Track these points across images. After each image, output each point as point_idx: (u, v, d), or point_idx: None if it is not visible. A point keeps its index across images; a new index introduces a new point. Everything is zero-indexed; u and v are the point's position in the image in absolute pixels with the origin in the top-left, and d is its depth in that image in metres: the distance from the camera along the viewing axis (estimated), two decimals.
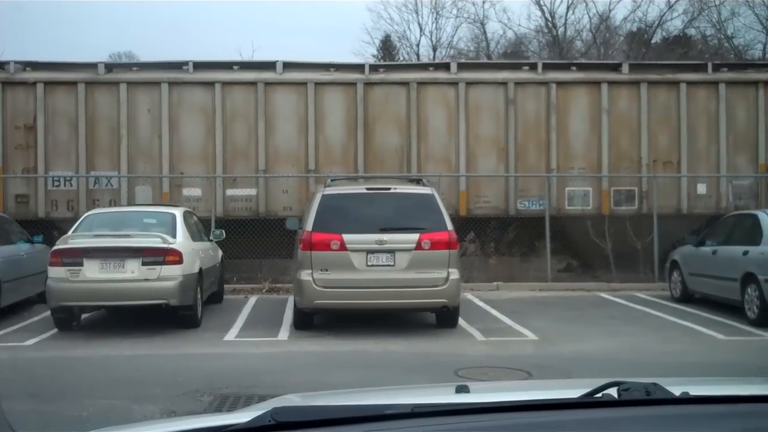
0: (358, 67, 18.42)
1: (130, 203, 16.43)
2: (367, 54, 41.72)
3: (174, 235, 11.64)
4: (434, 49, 41.25)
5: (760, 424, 1.90)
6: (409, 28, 44.42)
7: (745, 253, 12.32)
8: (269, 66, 17.97)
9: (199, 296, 11.87)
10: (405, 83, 17.74)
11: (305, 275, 10.91)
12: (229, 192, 17.43)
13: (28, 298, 13.36)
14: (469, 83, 17.76)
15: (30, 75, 17.44)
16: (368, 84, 17.73)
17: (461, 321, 11.81)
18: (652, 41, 38.08)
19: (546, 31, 39.36)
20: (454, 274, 11.07)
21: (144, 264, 11.04)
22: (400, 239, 10.98)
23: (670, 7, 38.62)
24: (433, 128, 17.72)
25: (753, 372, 8.73)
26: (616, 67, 18.79)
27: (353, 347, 10.41)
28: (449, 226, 11.19)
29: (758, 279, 11.74)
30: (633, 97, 17.95)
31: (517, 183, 17.67)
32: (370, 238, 10.90)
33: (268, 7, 68.21)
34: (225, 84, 17.52)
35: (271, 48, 60.79)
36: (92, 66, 17.71)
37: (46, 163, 17.29)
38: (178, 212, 12.62)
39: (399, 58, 39.64)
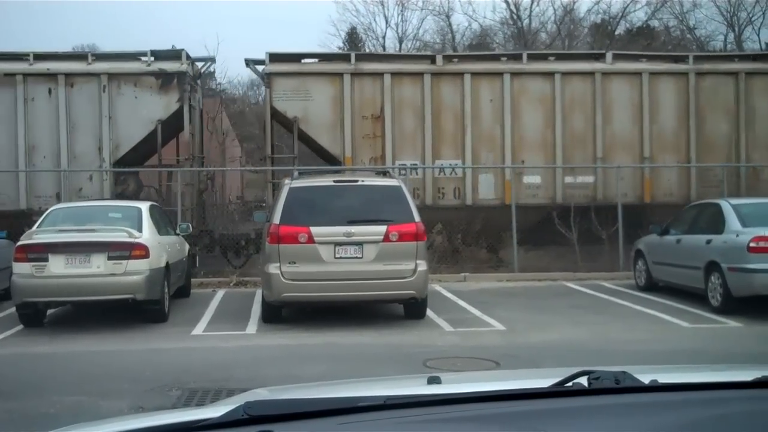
0: (683, 58, 19.41)
1: (474, 192, 17.59)
2: (333, 46, 41.62)
3: (140, 230, 11.55)
4: (400, 42, 41.31)
5: (728, 410, 1.93)
6: (375, 20, 44.54)
7: (709, 241, 12.48)
8: (599, 57, 19.23)
9: (166, 290, 11.80)
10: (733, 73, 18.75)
11: (273, 268, 10.88)
12: (568, 179, 18.07)
13: None
14: None
15: (377, 66, 18.16)
16: (699, 74, 18.62)
17: (429, 312, 11.86)
18: (616, 33, 38.40)
19: (511, 23, 39.54)
20: (422, 265, 11.10)
21: (110, 259, 10.94)
22: (368, 231, 10.99)
23: None
24: None
25: (718, 359, 8.87)
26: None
27: (322, 340, 10.41)
28: (417, 217, 11.21)
29: (721, 267, 11.89)
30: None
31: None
32: (337, 231, 10.90)
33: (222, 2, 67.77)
34: (564, 75, 18.22)
35: (236, 40, 60.44)
36: (427, 57, 19.15)
37: (393, 152, 17.74)
38: (143, 206, 12.52)
39: (365, 50, 39.51)
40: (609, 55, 18.88)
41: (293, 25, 69.45)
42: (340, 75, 17.76)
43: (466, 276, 16.44)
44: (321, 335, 10.68)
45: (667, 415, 1.90)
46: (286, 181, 11.99)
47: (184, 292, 13.95)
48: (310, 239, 10.86)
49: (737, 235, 11.87)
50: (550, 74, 18.19)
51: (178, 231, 13.90)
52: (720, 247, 12.16)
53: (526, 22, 38.64)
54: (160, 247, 11.89)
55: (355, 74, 17.81)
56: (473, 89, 17.92)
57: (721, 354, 9.30)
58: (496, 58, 19.85)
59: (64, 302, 11.76)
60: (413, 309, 11.61)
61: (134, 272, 10.95)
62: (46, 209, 12.89)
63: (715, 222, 12.65)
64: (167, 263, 11.92)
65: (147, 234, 11.62)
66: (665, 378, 2.18)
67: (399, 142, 17.86)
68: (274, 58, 18.11)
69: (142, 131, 17.67)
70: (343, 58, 19.54)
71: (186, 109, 17.62)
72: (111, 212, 12.53)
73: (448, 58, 18.92)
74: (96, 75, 17.39)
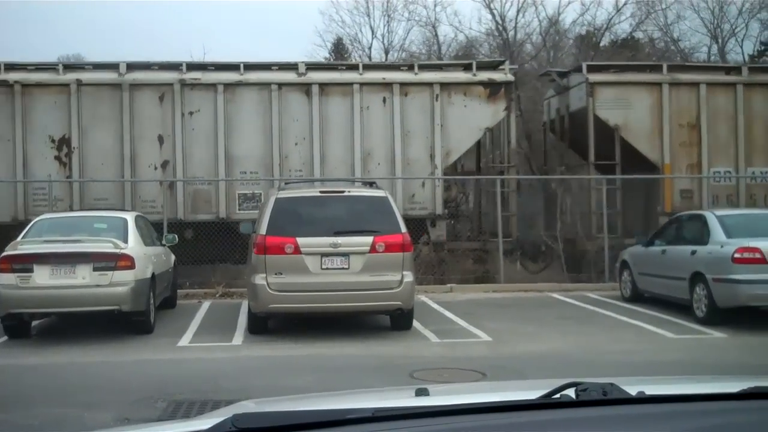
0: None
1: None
2: (319, 57, 41.68)
3: (126, 240, 11.50)
4: (386, 52, 41.34)
5: (715, 422, 1.94)
6: (360, 31, 44.51)
7: (694, 252, 12.54)
8: None
9: (151, 302, 11.74)
10: None
11: (259, 279, 10.86)
12: None
13: None
14: None
15: (693, 77, 18.84)
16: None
17: (416, 323, 11.85)
18: (601, 44, 38.60)
19: (497, 34, 39.64)
20: (408, 276, 11.10)
21: (95, 270, 10.88)
22: (354, 242, 10.99)
23: (618, 11, 39.16)
24: None
25: (703, 370, 8.91)
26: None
27: (308, 351, 10.39)
28: (403, 228, 11.22)
29: (706, 278, 11.95)
30: None
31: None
32: (324, 242, 10.89)
33: (216, 10, 67.75)
34: None
35: (223, 50, 60.39)
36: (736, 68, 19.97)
37: (708, 159, 18.32)
38: (129, 217, 12.48)
39: (351, 61, 39.59)
40: None
41: (278, 36, 69.42)
42: (659, 85, 18.49)
43: (453, 287, 16.46)
44: (307, 346, 10.66)
45: (655, 426, 1.91)
46: (273, 191, 11.99)
47: (169, 303, 13.90)
48: (297, 250, 10.84)
49: (722, 246, 11.93)
50: None
51: (163, 242, 13.85)
52: (705, 258, 12.22)
53: (511, 33, 38.78)
54: (146, 257, 11.84)
55: (672, 84, 18.48)
56: None
57: (706, 365, 9.35)
58: None
59: (49, 313, 11.69)
60: (400, 320, 11.61)
61: (120, 283, 10.90)
62: None
63: (700, 233, 12.72)
64: (153, 274, 11.87)
65: (133, 245, 11.58)
66: (652, 390, 2.19)
67: (713, 150, 18.40)
68: (592, 68, 19.24)
69: (470, 139, 18.32)
70: (654, 68, 20.07)
71: (512, 117, 18.45)
72: (96, 223, 12.48)
73: (755, 71, 19.69)
74: (428, 84, 17.86)
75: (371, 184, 12.92)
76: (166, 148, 17.26)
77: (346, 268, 10.94)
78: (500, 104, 17.97)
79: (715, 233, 12.31)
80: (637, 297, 14.51)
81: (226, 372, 9.19)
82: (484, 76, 18.12)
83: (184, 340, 11.24)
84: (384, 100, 17.71)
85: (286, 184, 12.66)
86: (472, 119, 17.87)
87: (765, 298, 11.65)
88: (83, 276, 10.86)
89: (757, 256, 11.48)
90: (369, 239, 11.00)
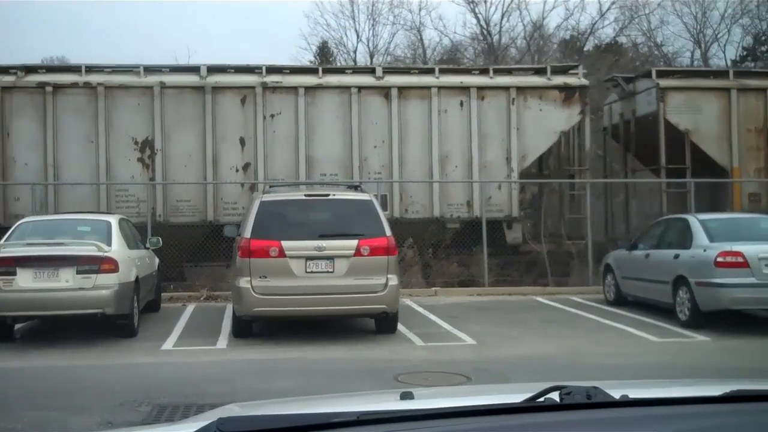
0: None
1: None
2: (304, 60, 41.67)
3: (109, 243, 11.46)
4: (371, 56, 41.40)
5: (698, 425, 1.96)
6: (346, 34, 44.61)
7: (677, 256, 12.61)
8: None
9: (135, 305, 11.70)
10: None
11: (244, 282, 10.84)
12: None
13: None
14: None
15: (760, 82, 19.45)
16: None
17: (400, 326, 11.86)
18: (585, 49, 38.82)
19: (481, 38, 39.81)
20: (393, 279, 11.11)
21: (79, 273, 10.83)
22: (339, 245, 10.98)
23: (602, 16, 39.50)
24: None
25: (686, 373, 8.95)
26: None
27: (293, 354, 10.38)
28: (388, 232, 11.22)
29: (689, 282, 12.02)
30: None
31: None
32: (309, 245, 10.88)
33: (201, 12, 67.64)
34: None
35: (207, 53, 60.26)
36: None
37: None
38: (113, 219, 12.43)
39: (336, 64, 39.59)
40: None
41: (263, 38, 69.35)
42: (727, 90, 18.99)
43: (437, 290, 16.48)
44: (292, 350, 10.64)
45: (638, 429, 1.93)
46: (257, 194, 11.97)
47: (153, 306, 13.85)
48: (281, 253, 10.83)
49: (705, 250, 12.01)
50: None
51: (147, 245, 13.80)
52: (688, 261, 12.29)
53: (496, 37, 38.95)
54: (130, 261, 11.80)
55: (740, 89, 18.97)
56: None
57: (689, 368, 9.40)
58: None
59: (33, 316, 11.62)
60: (384, 323, 11.61)
61: (103, 286, 10.85)
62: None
63: (683, 237, 12.79)
64: (137, 277, 11.83)
65: (116, 248, 11.53)
66: (635, 393, 2.20)
67: None
68: (661, 74, 19.63)
69: (546, 142, 18.65)
70: (720, 74, 20.50)
71: (587, 121, 18.71)
72: (80, 226, 12.41)
73: None
74: (505, 88, 18.18)
75: (356, 188, 12.93)
76: (247, 150, 17.52)
77: (330, 272, 10.94)
78: (575, 108, 18.36)
79: (698, 237, 12.39)
80: (621, 300, 14.57)
81: (210, 375, 9.16)
82: (560, 80, 18.56)
83: (168, 344, 11.20)
84: (461, 103, 18.04)
85: (270, 187, 12.65)
86: (547, 123, 18.24)
87: (747, 301, 11.75)
88: (66, 279, 10.80)
89: (740, 260, 11.56)
90: (354, 242, 11.00)
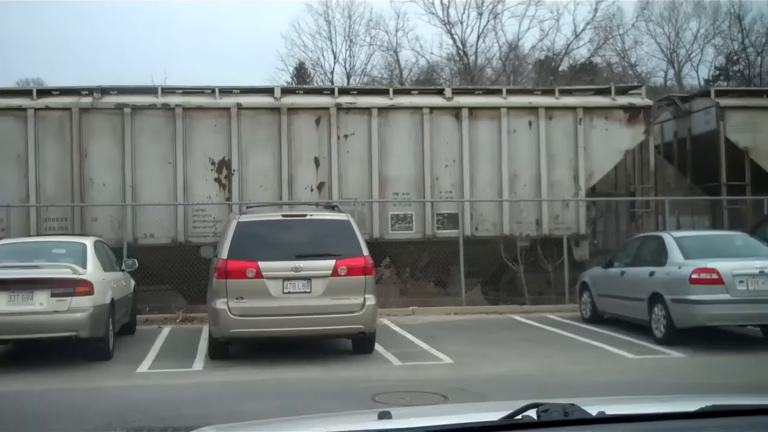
0: None
1: None
2: (281, 80, 41.70)
3: (84, 266, 11.37)
4: (348, 77, 41.57)
5: None
6: (323, 55, 44.39)
7: (652, 273, 12.69)
8: None
9: (110, 327, 11.59)
10: None
11: (220, 304, 10.78)
12: None
13: None
14: None
15: None
16: None
17: (378, 346, 11.84)
18: (560, 69, 39.15)
19: (457, 59, 40.06)
20: (371, 299, 11.10)
21: (53, 295, 10.71)
22: (317, 266, 10.96)
23: (577, 36, 39.85)
24: None
25: (662, 389, 8.98)
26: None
27: (270, 376, 10.32)
28: (365, 251, 11.22)
29: (664, 299, 12.10)
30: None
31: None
32: (286, 266, 10.85)
33: (176, 33, 67.62)
34: None
35: (183, 74, 60.18)
36: None
37: None
38: (88, 242, 12.34)
39: (314, 85, 39.67)
40: None
41: (240, 60, 69.33)
42: None
43: (415, 309, 16.47)
44: (269, 371, 10.59)
45: None
46: (234, 215, 11.94)
47: (129, 328, 13.73)
48: (259, 274, 10.79)
49: (679, 267, 12.10)
50: None
51: (123, 267, 13.70)
52: (663, 279, 12.38)
53: (472, 58, 39.21)
54: (105, 283, 11.70)
55: None
56: None
57: (665, 385, 9.44)
58: None
59: (6, 340, 11.48)
60: (362, 343, 11.58)
61: (78, 309, 10.74)
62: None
63: (658, 254, 12.89)
64: (112, 300, 11.74)
65: (92, 270, 11.44)
66: (612, 409, 2.22)
67: None
68: (719, 93, 20.23)
69: (611, 161, 18.96)
70: None
71: (651, 140, 19.13)
72: (55, 248, 12.31)
73: None
74: (572, 108, 18.53)
75: (333, 208, 12.92)
76: (321, 170, 17.69)
77: (308, 292, 10.91)
78: (639, 127, 18.72)
79: (673, 255, 12.48)
80: (597, 318, 14.63)
81: (186, 398, 9.09)
82: (624, 100, 18.95)
83: (144, 366, 11.10)
84: (530, 123, 18.33)
85: (247, 207, 12.62)
86: (613, 142, 18.61)
87: (722, 318, 11.84)
88: (41, 302, 10.69)
89: (714, 276, 11.66)
90: (331, 263, 10.98)
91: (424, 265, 17.73)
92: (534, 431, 2.03)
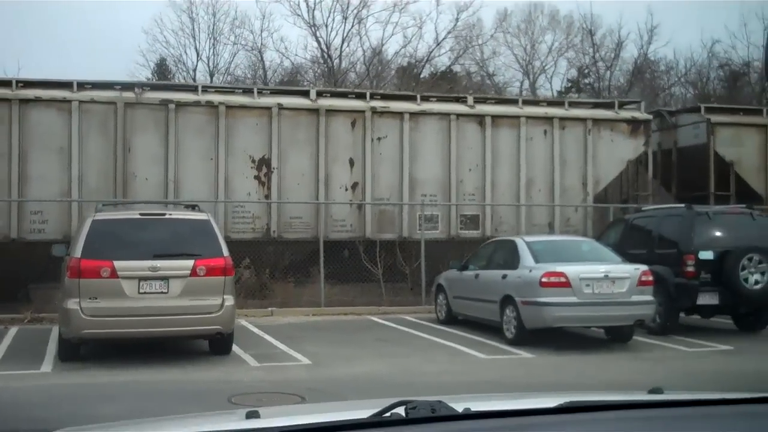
0: None
1: None
2: (141, 76, 40.53)
3: None
4: (211, 75, 40.84)
5: None
6: (185, 52, 43.34)
7: (504, 276, 13.11)
8: None
9: None
10: None
11: (72, 304, 10.42)
12: None
13: None
14: None
15: None
16: None
17: (235, 347, 11.73)
18: (422, 76, 39.83)
19: (322, 61, 40.08)
20: (229, 300, 11.00)
21: None
22: (175, 266, 10.77)
23: (438, 44, 40.66)
24: None
25: (512, 388, 9.31)
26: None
27: (123, 378, 10.05)
28: (225, 252, 11.11)
29: (515, 301, 12.53)
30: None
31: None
32: (142, 265, 10.61)
33: (32, 26, 64.49)
34: None
35: (37, 67, 57.40)
36: None
37: None
38: None
39: (175, 81, 38.77)
40: None
41: (98, 52, 66.80)
42: (765, 126, 21.18)
43: (273, 310, 16.40)
44: (122, 373, 10.31)
45: None
46: (89, 213, 11.56)
47: None
48: (113, 274, 10.50)
49: (530, 271, 12.56)
50: None
51: None
52: (515, 281, 12.81)
53: (336, 61, 39.33)
54: None
55: None
56: None
57: (515, 383, 9.79)
58: None
59: None
60: (219, 344, 11.45)
61: None
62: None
63: (511, 258, 13.32)
64: None
65: None
66: (477, 406, 2.31)
67: None
68: (709, 110, 21.72)
69: (615, 170, 20.31)
70: (755, 112, 22.75)
71: (650, 151, 20.46)
72: None
73: None
74: (582, 120, 19.88)
75: (194, 207, 12.72)
76: (356, 170, 18.41)
77: (165, 292, 10.70)
78: (640, 139, 20.17)
79: (525, 258, 12.94)
80: (452, 319, 14.99)
81: (34, 401, 8.74)
82: (627, 114, 20.42)
83: None
84: (545, 132, 19.59)
85: (103, 205, 12.25)
86: (617, 152, 20.01)
87: (569, 319, 12.38)
88: None
89: (562, 280, 12.17)
90: (190, 263, 10.82)
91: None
92: (403, 428, 2.10)
